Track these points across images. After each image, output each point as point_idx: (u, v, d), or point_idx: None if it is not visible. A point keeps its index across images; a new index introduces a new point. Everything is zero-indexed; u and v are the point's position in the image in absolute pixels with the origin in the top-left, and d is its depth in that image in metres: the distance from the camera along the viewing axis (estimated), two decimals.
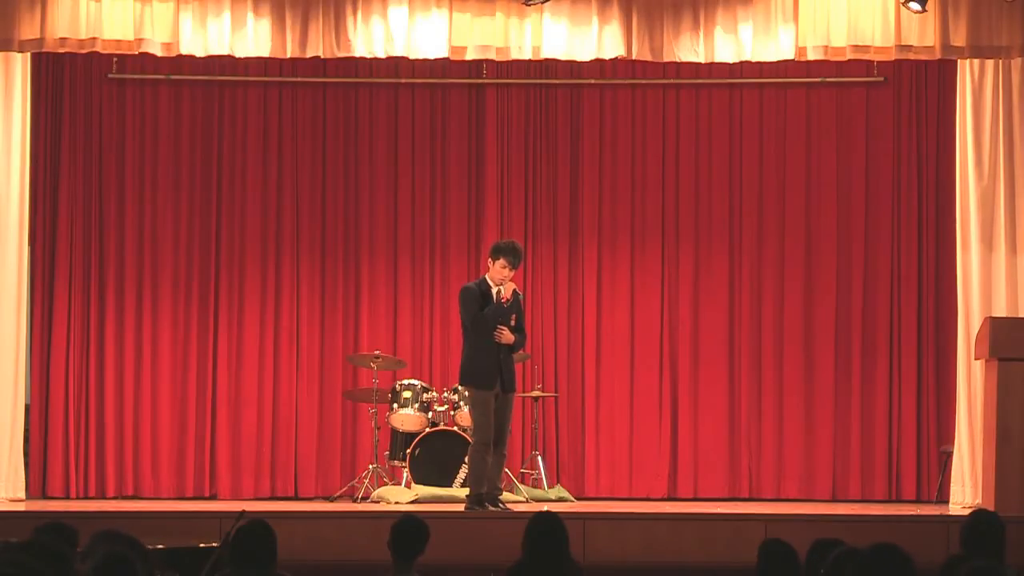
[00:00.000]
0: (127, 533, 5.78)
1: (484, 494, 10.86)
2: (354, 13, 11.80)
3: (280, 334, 13.25)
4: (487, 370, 10.81)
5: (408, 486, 12.08)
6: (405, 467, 12.15)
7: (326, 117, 13.38)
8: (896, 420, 13.07)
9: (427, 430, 12.19)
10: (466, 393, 11.61)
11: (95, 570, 4.98)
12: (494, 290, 10.91)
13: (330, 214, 13.36)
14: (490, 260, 10.99)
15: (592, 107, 13.45)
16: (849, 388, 13.13)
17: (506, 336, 10.84)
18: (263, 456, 13.10)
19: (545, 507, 10.50)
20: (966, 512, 7.33)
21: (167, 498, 12.81)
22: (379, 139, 13.42)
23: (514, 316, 10.95)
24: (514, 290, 10.97)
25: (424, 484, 11.98)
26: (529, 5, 11.63)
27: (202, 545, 7.17)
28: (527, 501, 11.89)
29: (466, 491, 11.36)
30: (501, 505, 10.97)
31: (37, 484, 12.75)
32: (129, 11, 11.63)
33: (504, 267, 10.89)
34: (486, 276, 11.02)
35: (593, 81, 13.39)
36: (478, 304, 10.87)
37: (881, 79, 13.17)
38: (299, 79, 13.31)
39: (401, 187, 13.40)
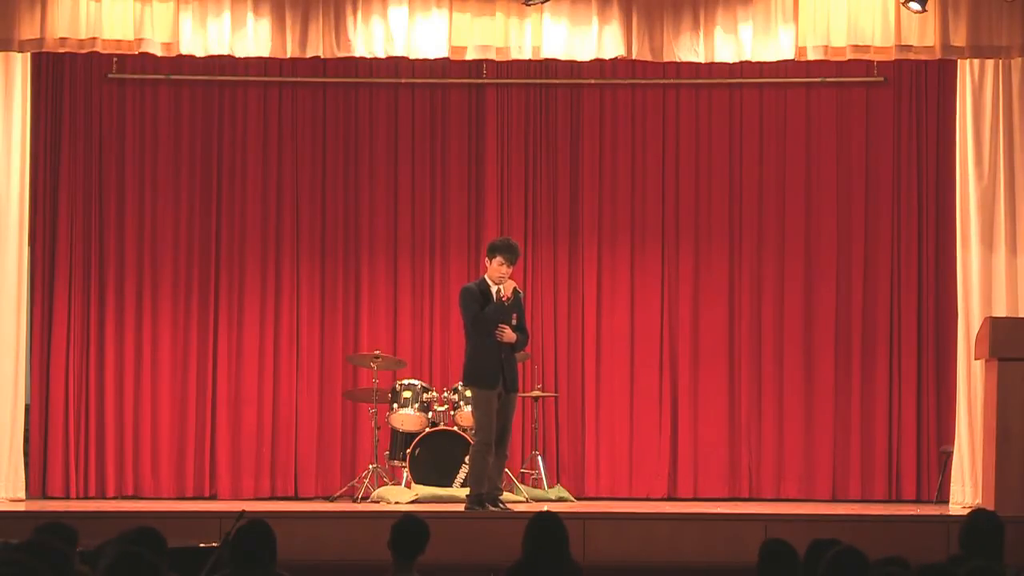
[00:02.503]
0: (152, 529, 5.77)
1: (484, 494, 10.85)
2: (354, 13, 11.80)
3: (280, 334, 13.25)
4: (489, 370, 10.80)
5: (408, 486, 12.08)
6: (405, 467, 12.15)
7: (326, 117, 13.38)
8: (896, 420, 13.07)
9: (427, 430, 12.19)
10: (467, 393, 11.60)
11: (110, 568, 4.98)
12: (493, 289, 10.91)
13: (330, 214, 13.36)
14: (487, 259, 10.99)
15: (592, 107, 13.45)
16: (849, 388, 13.13)
17: (507, 335, 10.83)
18: (263, 456, 13.10)
19: (545, 507, 10.51)
20: (966, 512, 7.32)
21: (167, 498, 12.81)
22: (379, 139, 13.42)
23: (515, 315, 10.94)
24: (514, 288, 10.97)
25: (424, 484, 11.98)
26: (529, 5, 11.63)
27: (202, 545, 7.17)
28: (527, 501, 11.89)
29: (466, 491, 11.36)
30: (501, 505, 10.97)
31: (37, 484, 12.75)
32: (129, 11, 11.63)
33: (501, 264, 10.88)
34: (485, 276, 11.02)
35: (593, 81, 13.39)
36: (479, 304, 10.87)
37: (881, 79, 13.17)
38: (299, 79, 13.31)
39: (401, 187, 13.40)
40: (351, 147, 13.40)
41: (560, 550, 6.49)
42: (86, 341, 12.98)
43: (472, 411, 11.18)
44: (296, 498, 12.95)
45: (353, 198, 13.38)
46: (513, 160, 13.39)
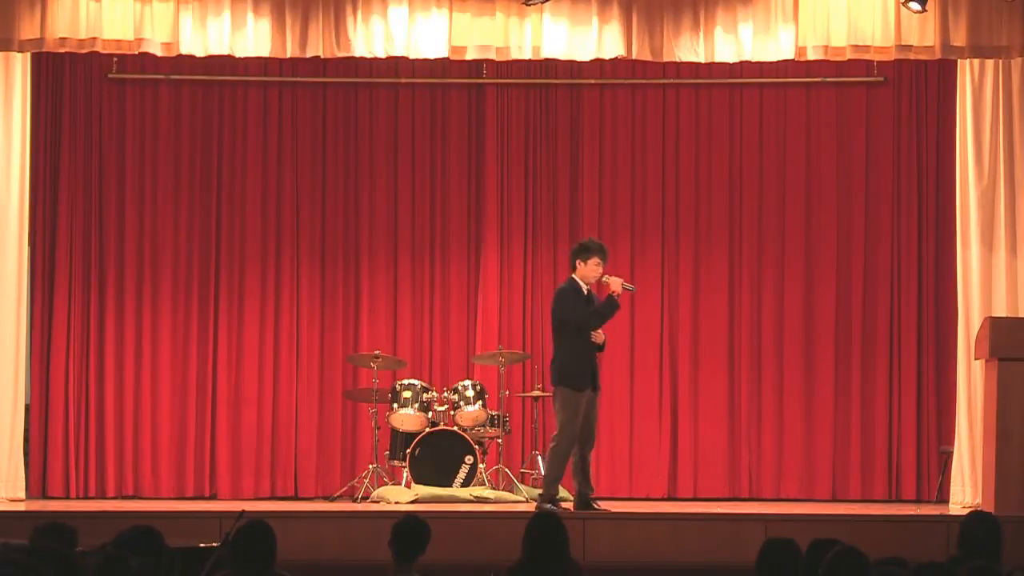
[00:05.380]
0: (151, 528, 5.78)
1: (558, 498, 10.92)
2: (354, 13, 11.80)
3: (280, 334, 13.25)
4: (583, 371, 10.82)
5: (408, 486, 12.08)
6: (405, 467, 12.15)
7: (326, 117, 13.38)
8: (896, 420, 13.07)
9: (427, 430, 12.19)
10: (555, 394, 11.20)
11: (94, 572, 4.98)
12: (585, 288, 10.91)
13: (330, 214, 13.36)
14: (579, 260, 10.93)
15: (592, 107, 13.45)
16: (849, 388, 13.13)
17: (600, 335, 10.90)
18: (263, 456, 13.10)
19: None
20: (966, 512, 7.33)
21: (167, 498, 12.81)
22: (379, 139, 13.42)
23: None
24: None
25: (424, 484, 11.98)
26: (529, 5, 11.63)
27: (202, 545, 7.17)
28: (527, 501, 11.89)
29: (466, 491, 11.36)
30: (596, 505, 10.90)
31: (37, 484, 12.75)
32: (129, 11, 11.63)
33: (599, 265, 10.92)
34: (574, 276, 10.98)
35: (593, 81, 13.39)
36: (582, 305, 10.85)
37: (881, 79, 13.17)
38: (299, 79, 13.31)
39: (401, 187, 13.40)
40: (351, 147, 13.40)
41: (560, 550, 6.49)
42: (86, 341, 12.98)
43: (558, 412, 10.96)
44: (296, 498, 12.95)
45: (353, 198, 13.38)
46: (513, 160, 13.39)
